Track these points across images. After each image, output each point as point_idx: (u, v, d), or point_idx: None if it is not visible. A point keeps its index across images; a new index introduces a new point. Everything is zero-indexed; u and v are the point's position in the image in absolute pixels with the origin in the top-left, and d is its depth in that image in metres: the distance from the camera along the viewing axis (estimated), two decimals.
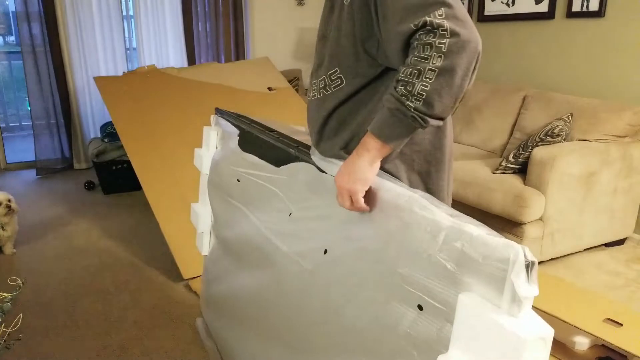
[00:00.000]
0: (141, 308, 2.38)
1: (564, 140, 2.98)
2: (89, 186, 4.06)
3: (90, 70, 4.43)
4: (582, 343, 1.92)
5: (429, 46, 0.91)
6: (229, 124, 1.79)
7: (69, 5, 4.23)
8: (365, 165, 1.03)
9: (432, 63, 0.91)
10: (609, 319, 1.86)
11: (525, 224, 2.69)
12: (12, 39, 6.36)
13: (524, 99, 3.41)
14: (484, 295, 0.77)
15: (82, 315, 2.33)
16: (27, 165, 4.63)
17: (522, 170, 2.89)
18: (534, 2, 3.54)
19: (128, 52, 4.66)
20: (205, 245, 2.03)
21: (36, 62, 4.24)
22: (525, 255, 0.72)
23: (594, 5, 3.21)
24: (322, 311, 1.20)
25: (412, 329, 0.90)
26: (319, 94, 1.21)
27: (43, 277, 2.67)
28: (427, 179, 1.18)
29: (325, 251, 1.17)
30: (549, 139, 2.92)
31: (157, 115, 3.31)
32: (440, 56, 0.91)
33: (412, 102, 0.94)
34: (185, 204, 2.82)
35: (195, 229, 2.13)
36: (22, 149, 4.92)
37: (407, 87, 0.93)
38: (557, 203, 2.73)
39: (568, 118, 3.01)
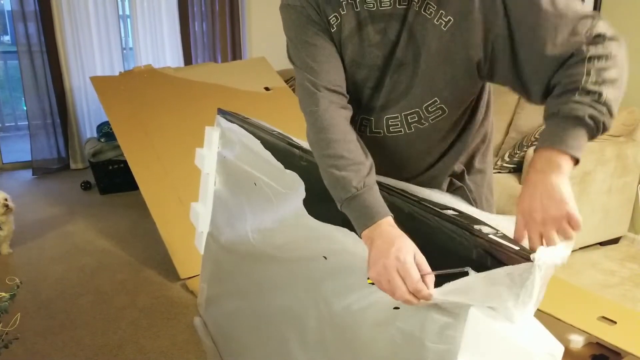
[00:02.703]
0: (138, 308, 2.39)
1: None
2: (86, 186, 4.06)
3: (86, 70, 4.42)
4: (576, 341, 1.93)
5: (606, 58, 0.90)
6: (232, 124, 1.79)
7: (65, 5, 4.23)
8: (565, 187, 0.87)
9: (611, 70, 0.90)
10: (603, 317, 1.87)
11: None
12: (7, 38, 6.35)
13: (519, 98, 3.43)
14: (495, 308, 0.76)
15: (80, 315, 2.33)
16: (23, 165, 4.62)
17: (518, 169, 2.91)
18: None
19: (124, 51, 4.66)
20: (205, 244, 2.04)
21: (32, 62, 4.23)
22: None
23: (588, 5, 3.23)
24: (316, 308, 1.21)
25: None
26: (409, 129, 1.11)
27: (40, 277, 2.67)
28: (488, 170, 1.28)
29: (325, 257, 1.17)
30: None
31: (154, 115, 3.31)
32: (615, 64, 0.91)
33: (602, 109, 0.88)
34: (182, 204, 2.82)
35: (192, 228, 2.14)
36: (18, 149, 4.91)
37: (595, 96, 0.88)
38: None
39: None
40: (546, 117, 0.92)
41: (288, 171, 1.37)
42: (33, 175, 4.41)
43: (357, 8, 1.06)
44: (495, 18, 0.96)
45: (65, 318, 2.31)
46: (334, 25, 1.10)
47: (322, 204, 1.16)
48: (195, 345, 2.11)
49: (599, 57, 0.89)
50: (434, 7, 1.01)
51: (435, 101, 1.08)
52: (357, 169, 0.98)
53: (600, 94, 0.87)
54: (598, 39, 0.91)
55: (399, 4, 1.03)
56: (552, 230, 0.82)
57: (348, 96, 1.10)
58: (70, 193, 3.99)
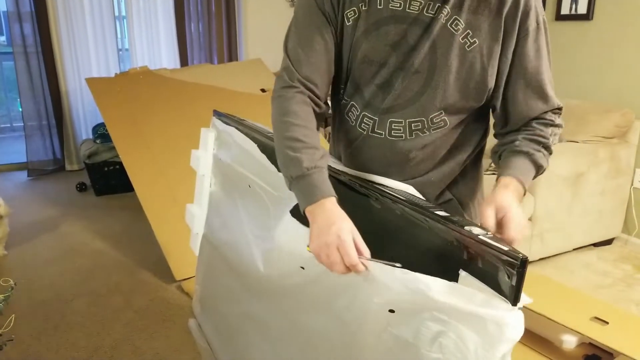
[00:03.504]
0: (133, 309, 2.39)
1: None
2: (81, 188, 4.05)
3: (82, 71, 4.42)
4: (569, 341, 1.95)
5: (560, 127, 1.13)
6: (228, 126, 1.79)
7: (61, 6, 4.22)
8: None
9: (557, 138, 1.14)
10: (595, 318, 1.89)
11: None
12: (3, 39, 6.34)
13: None
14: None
15: (74, 317, 2.33)
16: (18, 167, 4.61)
17: None
18: None
19: (120, 53, 4.65)
20: (199, 246, 2.04)
21: (28, 63, 4.22)
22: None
23: (582, 8, 3.25)
24: (307, 313, 1.21)
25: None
26: (410, 135, 1.13)
27: (35, 279, 2.67)
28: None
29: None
30: None
31: (149, 116, 3.31)
32: (559, 134, 1.15)
33: (549, 163, 1.13)
34: (177, 205, 2.83)
35: (187, 230, 2.14)
36: (14, 150, 4.90)
37: (549, 152, 1.11)
38: (546, 203, 2.77)
39: None
40: (518, 150, 1.09)
41: (280, 174, 1.38)
42: (28, 176, 4.40)
43: (380, 5, 1.07)
44: (507, 50, 1.06)
45: (60, 320, 2.31)
46: (350, 19, 1.11)
47: None
48: (190, 346, 2.11)
49: (557, 126, 1.12)
50: (462, 25, 1.04)
51: (441, 113, 1.11)
52: (312, 152, 1.03)
53: (551, 152, 1.12)
54: (559, 110, 1.13)
55: (427, 11, 1.04)
56: (515, 235, 0.94)
57: (322, 98, 1.15)
58: (65, 194, 3.99)
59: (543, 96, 1.09)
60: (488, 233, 0.81)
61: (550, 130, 1.10)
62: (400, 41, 1.08)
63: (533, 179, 1.11)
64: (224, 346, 1.85)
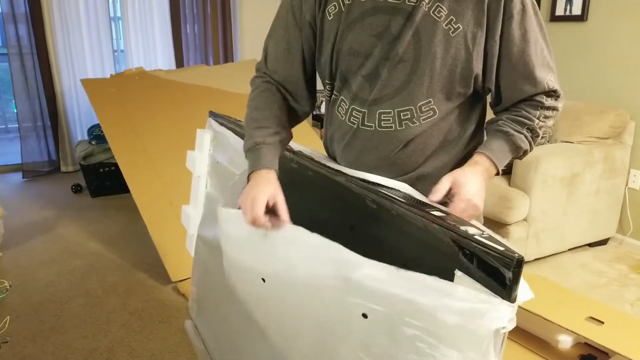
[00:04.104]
0: (129, 311, 2.39)
1: (548, 142, 3.03)
2: (76, 189, 4.04)
3: (77, 73, 4.41)
4: (565, 341, 1.96)
5: (553, 109, 1.13)
6: (223, 127, 1.79)
7: (56, 7, 4.21)
8: (485, 187, 1.09)
9: (551, 120, 1.14)
10: (591, 318, 1.90)
11: (510, 224, 2.73)
12: None
13: None
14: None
15: (70, 319, 2.33)
16: (13, 168, 4.60)
17: (507, 171, 2.93)
18: None
19: (115, 54, 4.64)
20: (195, 247, 2.04)
21: (23, 64, 4.21)
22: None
23: (576, 10, 3.27)
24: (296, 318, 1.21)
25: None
26: (400, 126, 1.14)
27: (30, 281, 2.66)
28: None
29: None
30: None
31: (145, 117, 3.31)
32: (555, 116, 1.15)
33: (532, 146, 1.14)
34: (173, 207, 2.82)
35: (182, 231, 2.14)
36: (8, 152, 4.88)
37: (534, 135, 1.13)
38: (542, 204, 2.78)
39: None
40: (498, 129, 1.13)
41: None
42: (23, 178, 4.38)
43: None
44: (494, 34, 1.06)
45: (56, 321, 2.30)
46: (331, 14, 1.14)
47: (308, 207, 1.17)
48: (187, 348, 2.11)
49: (548, 108, 1.12)
50: (444, 11, 1.05)
51: (430, 102, 1.11)
52: (264, 131, 1.20)
53: (537, 135, 1.13)
54: (553, 93, 1.12)
55: (409, 0, 1.06)
56: (468, 212, 1.02)
57: (293, 91, 1.27)
58: (60, 196, 3.97)
59: (531, 79, 1.09)
60: (484, 233, 0.82)
61: (538, 112, 1.11)
62: (383, 31, 1.09)
63: (515, 159, 1.14)
64: (220, 347, 1.85)
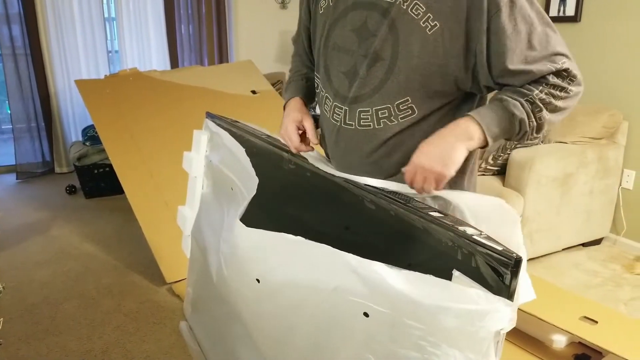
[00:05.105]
0: (124, 312, 2.38)
1: (542, 142, 3.04)
2: (71, 190, 4.02)
3: (71, 73, 4.39)
4: (559, 341, 1.97)
5: (561, 89, 1.04)
6: (219, 128, 1.79)
7: (50, 7, 4.19)
8: (463, 152, 1.03)
9: (559, 100, 1.04)
10: (585, 317, 1.91)
11: None
12: None
13: None
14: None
15: (64, 320, 2.31)
16: (7, 170, 4.57)
17: (501, 172, 2.94)
18: None
19: (110, 54, 4.63)
20: (190, 248, 2.03)
21: (16, 65, 4.18)
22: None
23: (570, 10, 3.29)
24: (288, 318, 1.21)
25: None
26: (378, 124, 1.14)
27: (24, 282, 2.64)
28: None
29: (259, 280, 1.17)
30: (527, 141, 2.98)
31: (140, 118, 3.30)
32: (567, 98, 1.05)
33: (534, 121, 1.04)
34: (168, 208, 2.82)
35: (177, 232, 2.14)
36: (2, 153, 4.85)
37: (535, 109, 1.03)
38: (536, 204, 2.79)
39: None
40: (495, 97, 1.07)
41: (256, 177, 1.37)
42: (17, 179, 4.36)
43: None
44: (478, 32, 1.01)
45: (50, 323, 2.29)
46: (322, 8, 1.19)
47: (302, 210, 1.17)
48: (182, 349, 2.11)
49: (556, 86, 1.03)
50: (422, 9, 1.03)
51: (407, 100, 1.10)
52: (292, 74, 1.46)
53: (540, 109, 1.03)
54: (564, 73, 1.04)
55: None
56: (423, 180, 1.02)
57: (309, 54, 1.41)
58: (55, 197, 3.95)
59: (527, 71, 1.03)
60: (482, 233, 0.82)
61: (541, 87, 1.03)
62: (360, 27, 1.10)
63: (510, 130, 1.05)
64: (215, 348, 1.85)
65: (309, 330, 1.07)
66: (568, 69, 1.04)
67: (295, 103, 1.32)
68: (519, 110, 1.02)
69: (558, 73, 1.04)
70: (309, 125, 1.26)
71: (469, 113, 1.05)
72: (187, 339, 2.10)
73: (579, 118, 3.02)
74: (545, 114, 1.03)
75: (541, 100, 1.03)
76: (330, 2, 1.16)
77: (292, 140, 1.26)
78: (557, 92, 1.04)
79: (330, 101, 1.21)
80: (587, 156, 2.92)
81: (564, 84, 1.04)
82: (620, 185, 3.16)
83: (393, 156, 1.17)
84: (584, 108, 3.07)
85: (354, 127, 1.17)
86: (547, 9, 3.40)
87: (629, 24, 3.04)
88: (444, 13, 1.01)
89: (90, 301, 2.47)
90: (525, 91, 1.03)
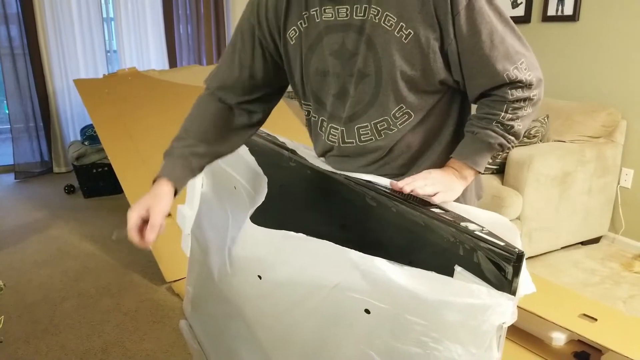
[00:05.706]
0: (123, 311, 2.38)
1: (540, 141, 3.05)
2: (69, 190, 4.02)
3: (69, 73, 4.38)
4: (559, 338, 1.97)
5: (522, 100, 1.09)
6: None
7: (48, 7, 4.19)
8: (460, 189, 1.13)
9: (526, 110, 1.10)
10: (584, 315, 1.91)
11: None
12: None
13: None
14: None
15: (64, 320, 2.31)
16: (5, 169, 4.56)
17: (500, 170, 2.95)
18: (510, 6, 3.61)
19: (108, 54, 4.62)
20: (190, 247, 2.03)
21: (14, 65, 4.18)
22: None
23: (568, 10, 3.29)
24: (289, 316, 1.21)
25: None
26: (379, 136, 1.15)
27: (23, 282, 2.64)
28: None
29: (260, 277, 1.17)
30: (525, 140, 2.99)
31: (138, 118, 3.29)
32: (530, 104, 1.10)
33: (510, 136, 1.11)
34: None
35: (176, 231, 2.13)
36: (1, 153, 4.84)
37: (507, 127, 1.10)
38: (534, 203, 2.79)
39: (544, 120, 3.08)
40: (466, 130, 1.13)
41: (263, 176, 1.37)
42: (16, 179, 4.35)
43: (317, 19, 1.11)
44: (447, 34, 1.04)
45: (49, 322, 2.29)
46: (293, 39, 1.16)
47: (302, 208, 1.17)
48: (181, 348, 2.11)
49: (517, 100, 1.08)
50: (394, 20, 1.04)
51: (402, 107, 1.12)
52: (181, 143, 1.29)
53: (512, 127, 1.10)
54: (519, 83, 1.07)
55: (356, 15, 1.06)
56: (422, 181, 1.05)
57: (236, 106, 1.29)
58: (53, 197, 3.95)
59: (486, 73, 1.06)
60: (484, 229, 0.82)
61: (505, 106, 1.08)
62: (340, 49, 1.11)
63: (493, 155, 1.14)
64: (215, 347, 1.85)
65: (311, 326, 1.07)
66: (520, 79, 1.07)
67: (161, 187, 1.20)
68: (493, 137, 1.10)
69: (514, 84, 1.07)
70: (154, 219, 1.15)
71: (452, 156, 1.14)
72: (187, 338, 2.10)
73: (577, 117, 3.03)
74: (517, 126, 1.10)
75: (509, 119, 1.09)
76: (300, 30, 1.14)
77: (130, 228, 1.15)
78: (521, 104, 1.09)
79: (326, 123, 1.22)
80: (586, 155, 2.93)
81: (525, 94, 1.08)
82: (619, 183, 3.16)
83: (399, 160, 1.19)
84: (582, 107, 3.08)
85: (354, 144, 1.18)
86: (545, 9, 3.41)
87: (627, 23, 3.05)
88: (415, 20, 1.03)
89: (89, 300, 2.47)
90: (491, 116, 1.10)
